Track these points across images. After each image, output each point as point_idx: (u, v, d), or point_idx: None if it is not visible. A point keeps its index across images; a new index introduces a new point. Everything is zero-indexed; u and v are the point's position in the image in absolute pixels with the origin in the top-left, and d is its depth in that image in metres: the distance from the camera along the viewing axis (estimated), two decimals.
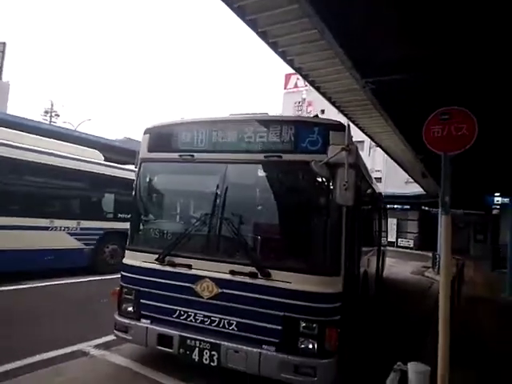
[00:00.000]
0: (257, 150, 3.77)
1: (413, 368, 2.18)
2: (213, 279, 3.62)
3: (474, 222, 27.50)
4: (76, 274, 8.66)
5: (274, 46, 5.72)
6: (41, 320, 5.47)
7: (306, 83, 7.36)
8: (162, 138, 4.32)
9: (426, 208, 27.87)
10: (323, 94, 7.80)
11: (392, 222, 26.15)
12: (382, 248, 10.19)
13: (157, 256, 3.89)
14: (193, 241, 3.89)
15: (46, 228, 8.18)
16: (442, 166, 2.67)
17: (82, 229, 8.96)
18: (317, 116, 3.82)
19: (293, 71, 6.83)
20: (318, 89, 7.47)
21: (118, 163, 10.72)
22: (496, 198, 14.85)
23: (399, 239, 29.65)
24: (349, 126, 3.29)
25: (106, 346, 4.63)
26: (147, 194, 4.51)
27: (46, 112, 44.89)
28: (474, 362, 4.81)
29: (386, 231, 12.37)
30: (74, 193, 9.25)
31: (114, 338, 4.70)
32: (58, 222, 8.43)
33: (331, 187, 3.34)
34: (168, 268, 3.85)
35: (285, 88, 45.16)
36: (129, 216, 10.02)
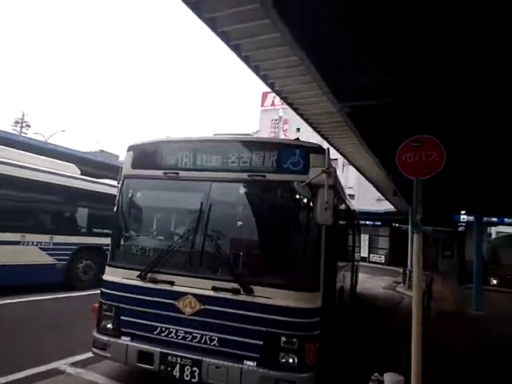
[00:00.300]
0: (240, 170, 3.91)
1: (388, 378, 2.34)
2: (195, 295, 3.69)
3: (442, 238, 28.58)
4: (49, 290, 8.39)
5: (255, 69, 5.96)
6: (12, 338, 5.29)
7: (283, 102, 7.65)
8: (146, 156, 4.40)
9: (397, 225, 28.80)
10: (301, 115, 8.10)
11: (364, 238, 26.79)
12: (356, 263, 10.49)
13: (139, 273, 3.92)
14: (175, 257, 3.94)
15: (17, 243, 7.95)
16: (413, 188, 2.90)
17: (54, 244, 8.73)
18: (298, 139, 4.00)
19: (270, 90, 7.08)
20: (296, 110, 7.76)
21: (94, 177, 10.59)
22: (462, 216, 15.60)
23: (371, 254, 30.34)
24: (328, 149, 3.50)
25: (82, 364, 4.55)
26: (130, 210, 4.54)
27: (17, 122, 43.71)
28: (443, 375, 5.05)
29: (360, 247, 12.72)
30: (48, 207, 9.02)
31: (91, 355, 4.66)
32: (30, 237, 8.20)
33: (311, 206, 3.52)
34: (150, 285, 3.88)
35: (262, 105, 45.95)
36: (104, 231, 9.97)
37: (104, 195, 10.16)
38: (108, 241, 10.24)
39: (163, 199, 4.60)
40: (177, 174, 4.14)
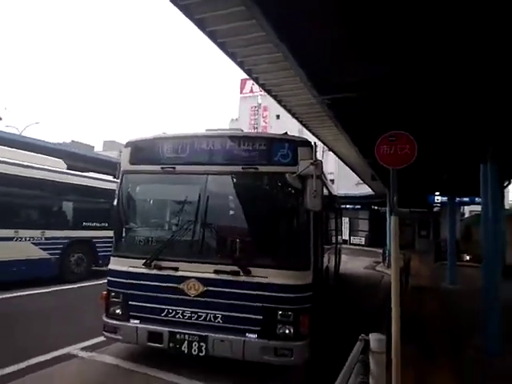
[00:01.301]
0: (234, 163, 4.27)
1: (373, 337, 2.79)
2: (198, 279, 4.06)
3: (418, 219, 29.76)
4: (44, 284, 8.60)
5: (241, 64, 6.26)
6: (20, 328, 5.56)
7: (267, 93, 7.96)
8: (143, 151, 4.68)
9: (376, 207, 29.78)
10: (284, 107, 8.46)
11: (345, 221, 27.63)
12: (339, 245, 11.07)
13: (144, 261, 4.25)
14: (178, 245, 4.30)
15: (10, 239, 8.09)
16: (390, 177, 3.34)
17: (46, 238, 8.91)
18: (286, 133, 4.38)
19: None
20: (279, 102, 8.11)
21: (77, 170, 10.66)
22: (436, 197, 16.45)
23: (352, 237, 31.32)
24: (315, 143, 3.91)
25: (92, 348, 4.88)
26: (130, 203, 4.83)
27: None
28: (417, 334, 5.71)
29: (341, 230, 13.32)
30: (38, 202, 9.15)
31: (98, 340, 5.02)
32: (22, 233, 8.35)
33: (301, 195, 3.93)
34: (155, 271, 4.22)
35: (241, 92, 45.85)
36: (93, 224, 10.15)
37: (91, 189, 10.33)
38: (97, 234, 10.53)
39: (162, 192, 4.91)
40: (174, 168, 4.45)
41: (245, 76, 6.99)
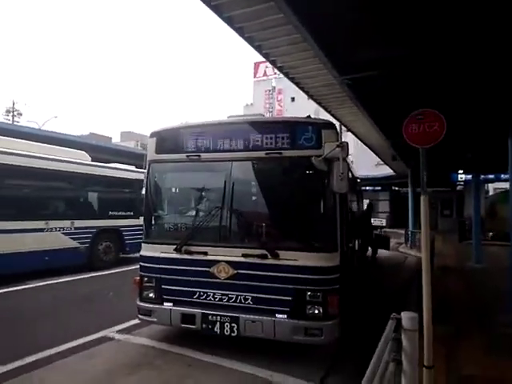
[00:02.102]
0: (258, 148, 4.30)
1: (406, 315, 2.83)
2: (228, 262, 4.17)
3: (441, 198, 29.20)
4: (74, 272, 8.97)
5: (258, 48, 6.21)
6: (58, 314, 5.88)
7: (277, 71, 7.81)
8: (168, 141, 4.77)
9: (396, 188, 29.34)
10: (302, 89, 8.37)
11: (365, 203, 27.36)
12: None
13: (175, 246, 4.39)
14: (206, 231, 4.41)
15: (42, 229, 8.43)
16: (420, 156, 3.32)
17: (75, 228, 9.24)
18: (309, 116, 4.37)
19: (262, 60, 7.28)
20: (297, 84, 8.02)
21: (99, 161, 10.93)
22: (460, 176, 16.09)
23: (372, 219, 31.00)
24: (341, 126, 3.89)
25: (127, 331, 5.11)
26: (158, 192, 4.96)
27: (8, 111, 43.19)
28: (445, 312, 5.72)
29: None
30: (67, 194, 9.47)
31: (132, 323, 5.25)
32: (52, 223, 8.68)
33: (326, 178, 3.94)
34: (186, 256, 4.36)
35: (254, 76, 45.42)
36: (119, 213, 10.45)
37: (116, 179, 10.61)
38: (124, 222, 10.84)
39: (188, 180, 5.01)
40: (199, 156, 4.53)
41: (257, 60, 6.95)
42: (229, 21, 5.34)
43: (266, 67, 42.60)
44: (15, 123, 32.60)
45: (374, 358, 2.40)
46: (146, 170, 4.92)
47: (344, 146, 3.71)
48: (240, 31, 5.66)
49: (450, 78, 5.60)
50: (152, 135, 4.87)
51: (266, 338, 4.02)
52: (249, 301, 4.10)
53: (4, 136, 8.52)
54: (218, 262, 4.20)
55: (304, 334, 3.89)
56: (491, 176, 17.43)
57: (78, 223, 9.29)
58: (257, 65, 44.47)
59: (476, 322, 5.72)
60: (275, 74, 39.88)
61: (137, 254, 5.12)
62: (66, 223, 9.02)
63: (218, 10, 5.07)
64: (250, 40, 5.96)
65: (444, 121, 3.14)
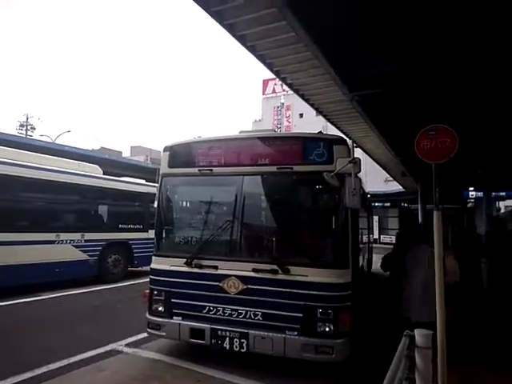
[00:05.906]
0: (269, 163, 4.34)
1: (419, 333, 2.80)
2: (238, 277, 4.16)
3: (451, 215, 28.84)
4: (83, 284, 9.00)
5: (269, 66, 6.30)
6: (68, 326, 5.89)
7: (285, 88, 7.92)
8: (181, 155, 4.84)
9: (406, 204, 29.09)
10: (312, 105, 8.42)
11: (374, 220, 27.15)
12: (370, 244, 10.96)
13: (185, 260, 4.40)
14: (217, 245, 4.42)
15: (52, 242, 8.51)
16: (432, 172, 3.33)
17: (86, 241, 9.31)
18: (321, 132, 4.42)
19: (270, 77, 7.42)
20: (307, 100, 8.08)
21: (110, 175, 11.07)
22: (471, 193, 15.94)
23: (381, 236, 30.72)
24: (353, 142, 3.92)
25: (135, 345, 5.10)
26: (170, 205, 5.01)
27: (22, 126, 44.10)
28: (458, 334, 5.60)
29: (373, 228, 13.15)
30: (78, 207, 9.57)
31: (140, 337, 5.23)
32: (63, 236, 8.76)
33: (338, 193, 3.95)
34: (196, 270, 4.36)
35: (263, 94, 45.88)
36: (128, 226, 10.52)
37: (126, 192, 10.72)
38: (133, 235, 10.92)
39: (200, 194, 5.05)
40: (211, 170, 4.58)
41: (266, 77, 7.05)
42: (241, 39, 5.46)
43: (275, 84, 43.11)
44: (28, 137, 33.26)
45: (387, 377, 2.36)
46: (158, 184, 4.98)
47: (356, 162, 3.73)
48: (253, 50, 5.77)
49: (460, 94, 5.61)
50: (165, 149, 4.95)
51: (275, 355, 3.96)
52: (258, 316, 4.07)
53: (18, 149, 8.69)
54: (229, 276, 4.20)
55: (315, 352, 3.83)
56: (502, 193, 17.21)
57: (88, 235, 9.36)
58: (265, 82, 44.98)
59: (490, 342, 5.58)
60: (284, 90, 40.33)
61: (145, 268, 5.14)
62: (77, 235, 9.10)
63: (231, 29, 5.19)
64: (261, 58, 6.06)
65: (456, 136, 3.16)
